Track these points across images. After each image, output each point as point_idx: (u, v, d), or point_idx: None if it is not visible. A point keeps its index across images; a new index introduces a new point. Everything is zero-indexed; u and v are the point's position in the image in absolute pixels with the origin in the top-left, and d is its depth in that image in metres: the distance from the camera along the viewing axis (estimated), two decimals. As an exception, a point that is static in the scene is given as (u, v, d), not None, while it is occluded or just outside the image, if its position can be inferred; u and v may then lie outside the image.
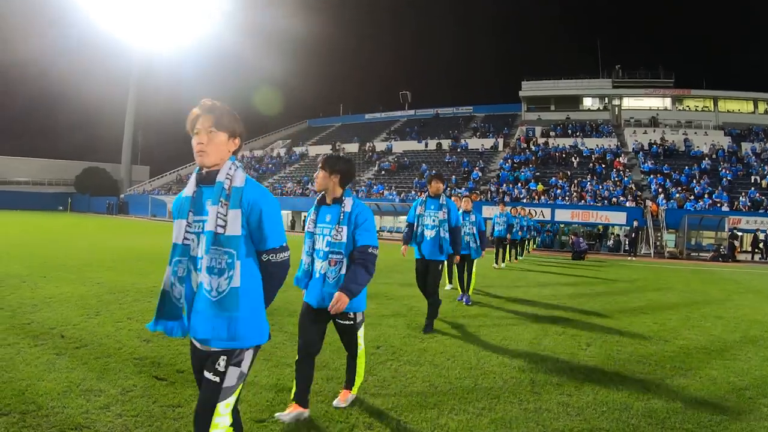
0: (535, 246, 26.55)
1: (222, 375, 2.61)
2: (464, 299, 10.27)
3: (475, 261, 10.90)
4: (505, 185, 40.28)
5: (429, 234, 7.70)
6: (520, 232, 21.21)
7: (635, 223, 29.60)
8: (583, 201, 35.63)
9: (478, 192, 37.86)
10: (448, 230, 7.74)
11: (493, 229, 18.52)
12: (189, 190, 2.71)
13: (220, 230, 2.58)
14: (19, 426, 3.83)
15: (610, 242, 34.13)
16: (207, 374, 2.65)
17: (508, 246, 19.66)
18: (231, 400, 2.62)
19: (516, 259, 21.60)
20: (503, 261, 18.70)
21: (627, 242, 31.15)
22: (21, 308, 7.82)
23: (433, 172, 9.16)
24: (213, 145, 2.69)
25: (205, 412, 2.56)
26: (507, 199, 35.32)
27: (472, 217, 11.12)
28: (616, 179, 38.49)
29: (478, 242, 10.85)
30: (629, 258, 27.72)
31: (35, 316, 7.37)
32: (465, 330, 7.73)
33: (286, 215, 49.79)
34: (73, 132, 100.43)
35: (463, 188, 40.53)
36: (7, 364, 5.15)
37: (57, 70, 79.06)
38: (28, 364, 5.19)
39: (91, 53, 74.08)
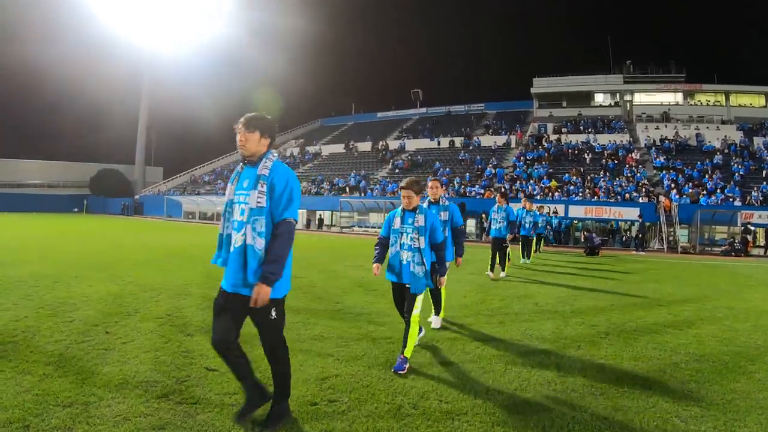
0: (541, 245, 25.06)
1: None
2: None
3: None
4: (518, 182, 40.59)
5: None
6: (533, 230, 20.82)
7: (640, 219, 30.04)
8: (596, 197, 35.80)
9: (492, 189, 38.13)
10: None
11: (489, 225, 15.14)
12: None
13: None
14: (84, 416, 4.08)
15: (624, 237, 34.33)
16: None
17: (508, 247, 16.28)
18: None
19: (525, 259, 19.03)
20: (503, 265, 14.88)
21: (634, 238, 31.38)
22: (61, 307, 8.10)
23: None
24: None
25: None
26: (521, 195, 35.60)
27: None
28: (629, 175, 38.59)
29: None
30: (634, 252, 28.00)
31: (76, 314, 7.64)
32: (489, 322, 8.15)
33: (301, 214, 50.23)
34: (87, 134, 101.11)
35: (477, 185, 40.87)
36: (58, 360, 5.43)
37: (70, 74, 79.38)
38: (80, 360, 5.48)
39: (103, 56, 74.53)
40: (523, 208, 19.59)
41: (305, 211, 49.88)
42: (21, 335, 6.34)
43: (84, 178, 79.57)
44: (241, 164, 4.22)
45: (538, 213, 22.54)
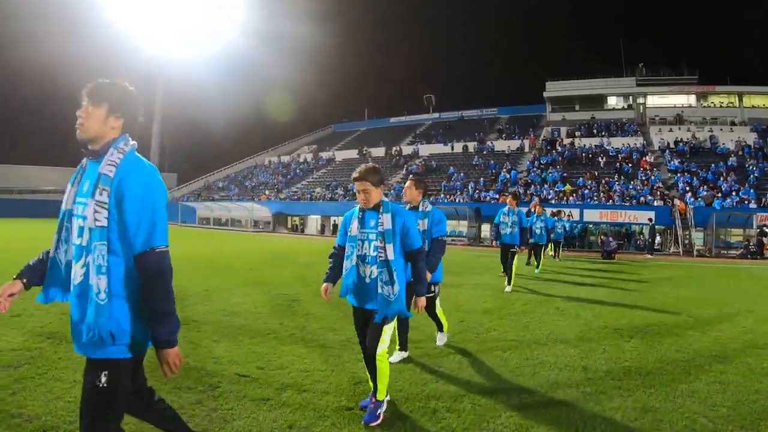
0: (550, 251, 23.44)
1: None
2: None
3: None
4: (532, 186, 40.56)
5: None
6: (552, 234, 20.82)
7: (650, 222, 30.01)
8: (610, 201, 35.68)
9: (506, 194, 38.09)
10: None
11: (498, 230, 13.48)
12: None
13: None
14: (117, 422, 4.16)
15: (638, 241, 34.27)
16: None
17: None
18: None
19: (533, 264, 18.04)
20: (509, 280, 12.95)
21: (646, 241, 31.28)
22: None
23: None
24: None
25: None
26: (536, 200, 35.56)
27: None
28: (643, 178, 38.39)
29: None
30: (647, 256, 27.85)
31: None
32: (513, 327, 8.26)
33: (316, 220, 50.41)
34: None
35: (491, 190, 40.91)
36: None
37: (84, 81, 79.89)
38: None
39: (118, 64, 75.09)
40: (534, 212, 18.85)
41: (320, 216, 50.14)
42: (47, 341, 6.44)
43: (99, 184, 79.92)
44: (84, 158, 2.94)
45: (550, 217, 22.05)
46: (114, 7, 64.93)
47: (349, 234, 4.72)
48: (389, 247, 4.44)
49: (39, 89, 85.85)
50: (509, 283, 12.66)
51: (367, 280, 4.49)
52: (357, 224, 4.67)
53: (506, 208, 13.32)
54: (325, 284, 4.73)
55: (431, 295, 6.37)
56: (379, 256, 4.44)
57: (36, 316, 7.84)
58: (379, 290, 4.37)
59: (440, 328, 7.02)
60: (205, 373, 5.45)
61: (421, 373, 5.64)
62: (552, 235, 21.85)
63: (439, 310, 6.84)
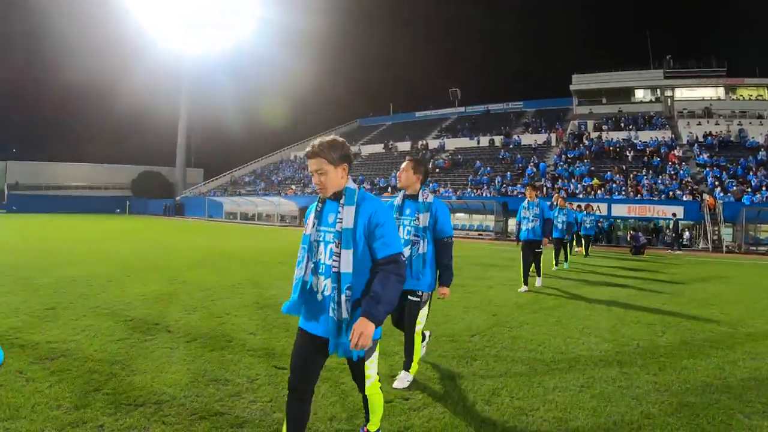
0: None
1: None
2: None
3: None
4: (560, 180, 40.43)
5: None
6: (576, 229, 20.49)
7: (674, 217, 29.84)
8: (638, 195, 35.31)
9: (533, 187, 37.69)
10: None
11: (518, 227, 12.09)
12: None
13: None
14: (158, 415, 4.19)
15: (667, 237, 33.91)
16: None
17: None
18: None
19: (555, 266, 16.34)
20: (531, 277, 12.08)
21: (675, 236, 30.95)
22: (117, 306, 8.36)
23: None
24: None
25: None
26: (563, 194, 35.33)
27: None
28: (672, 173, 38.05)
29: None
30: (669, 251, 27.64)
31: (134, 313, 7.91)
32: (546, 321, 8.32)
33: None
34: (128, 138, 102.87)
35: (518, 184, 40.76)
36: (124, 359, 5.57)
37: (112, 79, 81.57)
38: (146, 358, 5.65)
39: (143, 61, 75.85)
40: (556, 205, 17.72)
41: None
42: (82, 334, 6.56)
43: (126, 180, 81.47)
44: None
45: (579, 212, 21.95)
46: (138, 4, 65.35)
47: (303, 233, 3.50)
48: (345, 254, 3.21)
49: (67, 90, 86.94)
50: (539, 275, 12.35)
51: (319, 296, 3.33)
52: (313, 220, 3.45)
53: (525, 201, 11.95)
54: None
55: (416, 299, 5.14)
56: (333, 267, 3.25)
57: (69, 309, 8.03)
58: (330, 313, 3.23)
59: (406, 364, 5.29)
60: (242, 365, 5.54)
61: (457, 367, 5.71)
62: (580, 230, 21.72)
63: (418, 331, 5.16)
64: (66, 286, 10.17)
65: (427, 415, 4.41)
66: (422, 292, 5.26)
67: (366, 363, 3.48)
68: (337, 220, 3.27)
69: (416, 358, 5.25)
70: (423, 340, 5.76)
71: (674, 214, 29.93)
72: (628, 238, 28.87)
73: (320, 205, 3.43)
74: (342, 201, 3.31)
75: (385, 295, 3.07)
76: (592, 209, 24.64)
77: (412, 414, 4.43)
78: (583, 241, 22.68)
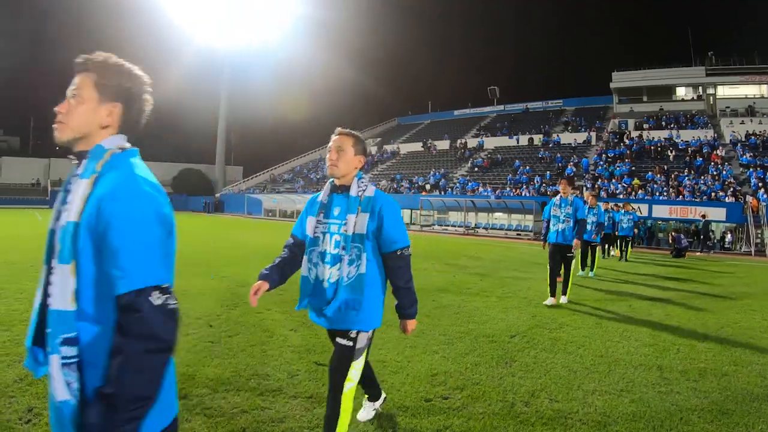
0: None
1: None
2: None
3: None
4: (600, 180, 40.00)
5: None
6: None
7: (703, 218, 29.46)
8: (680, 196, 34.75)
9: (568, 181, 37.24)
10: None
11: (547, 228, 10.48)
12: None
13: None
14: (200, 408, 4.29)
15: (710, 242, 33.36)
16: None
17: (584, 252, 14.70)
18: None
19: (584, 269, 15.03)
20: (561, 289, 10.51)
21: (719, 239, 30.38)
22: None
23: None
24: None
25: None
26: (603, 194, 34.97)
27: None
28: (714, 173, 37.34)
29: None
30: (698, 254, 27.08)
31: None
32: (586, 323, 8.28)
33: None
34: (169, 136, 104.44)
35: (558, 184, 40.36)
36: None
37: (152, 77, 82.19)
38: (188, 351, 5.75)
39: (183, 60, 76.88)
40: (587, 203, 14.82)
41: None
42: None
43: (167, 177, 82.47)
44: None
45: (616, 211, 20.63)
46: (176, 2, 66.15)
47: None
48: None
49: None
50: (565, 293, 10.11)
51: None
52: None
53: (557, 197, 10.31)
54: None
55: (348, 344, 3.50)
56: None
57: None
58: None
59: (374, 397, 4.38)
60: (283, 360, 5.63)
61: (497, 368, 5.73)
62: (617, 231, 20.28)
63: (347, 392, 3.52)
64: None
65: (467, 415, 4.43)
66: (357, 333, 3.49)
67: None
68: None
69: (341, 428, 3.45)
70: (376, 401, 4.38)
71: (703, 216, 29.60)
72: (670, 240, 28.49)
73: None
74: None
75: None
76: (632, 208, 22.41)
77: (452, 414, 4.45)
78: (619, 243, 20.74)
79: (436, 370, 5.50)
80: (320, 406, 4.41)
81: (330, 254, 3.45)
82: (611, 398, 4.94)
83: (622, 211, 20.58)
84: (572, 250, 10.09)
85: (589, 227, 14.38)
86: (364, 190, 3.52)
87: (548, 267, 9.99)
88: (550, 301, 9.73)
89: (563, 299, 10.03)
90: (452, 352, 6.27)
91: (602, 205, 18.62)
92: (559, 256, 10.03)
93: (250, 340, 6.42)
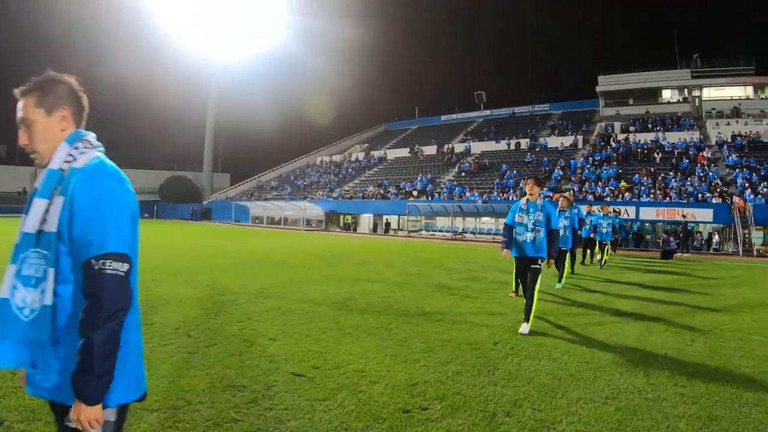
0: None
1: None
2: None
3: None
4: (587, 183, 40.05)
5: None
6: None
7: (684, 218, 29.81)
8: (667, 198, 34.89)
9: (559, 194, 37.46)
10: None
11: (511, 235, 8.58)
12: None
13: None
14: (172, 420, 4.18)
15: (695, 241, 33.49)
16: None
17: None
18: None
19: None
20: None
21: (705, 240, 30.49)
22: (140, 310, 8.35)
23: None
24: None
25: None
26: (590, 198, 35.02)
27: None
28: (701, 174, 37.51)
29: None
30: (680, 254, 26.93)
31: (156, 317, 7.87)
32: (571, 328, 8.13)
33: (368, 218, 50.68)
34: (157, 143, 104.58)
35: (545, 188, 40.47)
36: (144, 363, 5.54)
37: (141, 85, 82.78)
38: (164, 362, 5.63)
39: (171, 67, 77.34)
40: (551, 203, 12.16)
41: (372, 215, 50.53)
42: None
43: (154, 185, 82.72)
44: None
45: (595, 213, 19.18)
46: (167, 11, 66.40)
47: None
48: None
49: (95, 94, 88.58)
50: (527, 320, 7.86)
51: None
52: None
53: (523, 200, 8.50)
54: None
55: None
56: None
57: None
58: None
59: None
60: (260, 371, 5.48)
61: (479, 376, 5.56)
62: (595, 236, 18.55)
63: None
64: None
65: (445, 426, 4.28)
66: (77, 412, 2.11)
67: None
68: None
69: None
70: None
71: (684, 216, 29.72)
72: (661, 243, 28.52)
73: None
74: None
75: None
76: (612, 211, 21.02)
77: (430, 425, 4.30)
78: (599, 248, 18.76)
79: (416, 380, 5.35)
80: (294, 418, 4.30)
81: (19, 269, 2.15)
82: (596, 406, 4.78)
83: (601, 214, 18.95)
84: (539, 263, 8.13)
85: (561, 233, 12.58)
86: (73, 160, 2.24)
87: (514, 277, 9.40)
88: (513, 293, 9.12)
89: (524, 329, 7.74)
90: (434, 360, 6.09)
91: (584, 208, 18.45)
92: (526, 267, 8.27)
93: (229, 350, 6.25)
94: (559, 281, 13.01)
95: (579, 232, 16.23)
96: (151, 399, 4.52)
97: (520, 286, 9.75)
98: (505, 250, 8.49)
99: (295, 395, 4.83)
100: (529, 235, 8.11)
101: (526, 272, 8.19)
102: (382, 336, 7.15)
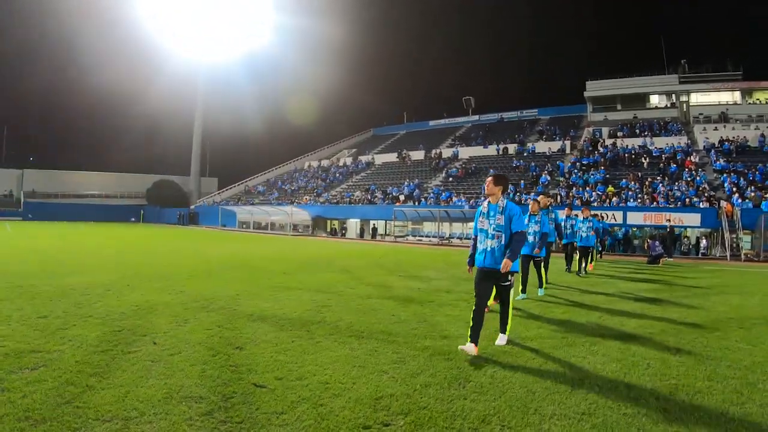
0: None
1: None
2: None
3: None
4: (574, 188, 39.94)
5: None
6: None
7: (668, 222, 29.81)
8: (655, 203, 34.86)
9: (547, 195, 37.34)
10: None
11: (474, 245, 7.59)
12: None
13: None
14: None
15: (683, 246, 33.40)
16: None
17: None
18: None
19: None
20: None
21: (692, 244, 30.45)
22: (109, 316, 8.23)
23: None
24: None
25: None
26: (578, 203, 34.87)
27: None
28: (689, 179, 37.56)
29: None
30: (665, 259, 26.30)
31: (124, 323, 7.75)
32: (552, 338, 7.83)
33: (355, 223, 50.50)
34: (144, 147, 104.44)
35: (532, 193, 40.33)
36: (103, 371, 5.42)
37: (128, 89, 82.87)
38: (125, 371, 5.47)
39: (158, 72, 77.30)
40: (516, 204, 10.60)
41: (359, 220, 50.14)
42: (68, 344, 6.45)
43: (141, 189, 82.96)
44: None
45: (576, 218, 18.08)
46: (154, 15, 66.63)
47: None
48: None
49: (84, 101, 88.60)
50: (504, 331, 7.40)
51: None
52: None
53: (485, 203, 7.26)
54: None
55: None
56: None
57: (61, 318, 7.72)
58: None
59: None
60: (220, 382, 5.31)
61: (449, 389, 5.27)
62: (576, 241, 17.85)
63: None
64: (64, 294, 10.21)
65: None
66: None
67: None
68: None
69: None
70: None
71: (668, 220, 29.90)
72: (645, 247, 28.39)
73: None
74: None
75: None
76: (593, 214, 19.74)
77: (391, 443, 4.00)
78: (579, 255, 17.89)
79: (381, 393, 5.08)
80: (250, 432, 4.08)
81: None
82: (570, 423, 4.47)
83: (581, 218, 18.00)
84: (510, 278, 6.97)
85: (530, 238, 11.99)
86: None
87: (474, 301, 6.94)
88: (470, 348, 6.57)
89: (501, 339, 7.30)
90: (403, 371, 5.78)
91: (562, 212, 17.85)
92: (491, 284, 7.20)
93: (192, 358, 6.04)
94: (540, 286, 12.50)
95: (559, 239, 16.51)
96: (105, 409, 4.44)
97: (491, 299, 8.88)
98: (468, 265, 7.40)
99: (252, 407, 4.64)
100: (489, 243, 6.90)
101: (488, 285, 7.04)
102: (353, 345, 6.88)
